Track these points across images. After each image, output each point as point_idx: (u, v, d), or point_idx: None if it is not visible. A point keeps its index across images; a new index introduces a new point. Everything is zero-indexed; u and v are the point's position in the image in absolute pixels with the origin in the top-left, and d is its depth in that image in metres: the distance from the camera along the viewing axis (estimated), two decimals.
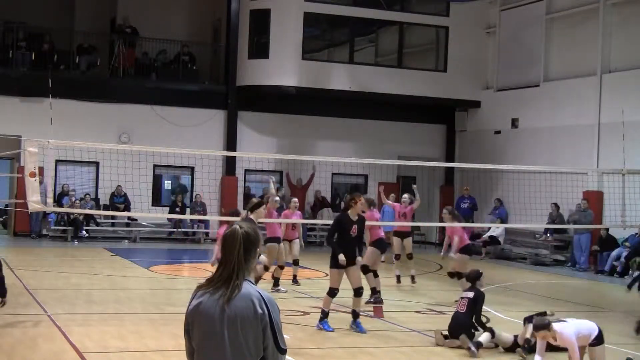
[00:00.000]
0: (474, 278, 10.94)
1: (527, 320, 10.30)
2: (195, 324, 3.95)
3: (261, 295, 3.92)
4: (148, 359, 9.39)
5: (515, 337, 10.31)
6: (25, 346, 9.65)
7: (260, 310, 3.88)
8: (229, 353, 3.88)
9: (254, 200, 10.19)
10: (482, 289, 10.85)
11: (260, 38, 25.98)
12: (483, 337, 10.23)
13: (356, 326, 11.29)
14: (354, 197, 11.27)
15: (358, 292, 11.22)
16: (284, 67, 25.70)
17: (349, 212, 11.19)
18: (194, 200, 25.30)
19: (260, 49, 25.94)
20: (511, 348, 10.23)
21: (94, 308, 12.60)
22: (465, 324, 10.47)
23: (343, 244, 11.03)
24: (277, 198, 15.32)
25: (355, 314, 11.38)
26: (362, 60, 27.49)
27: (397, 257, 16.76)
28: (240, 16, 26.15)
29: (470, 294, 10.67)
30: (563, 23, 24.89)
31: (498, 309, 13.70)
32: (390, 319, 12.31)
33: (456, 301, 10.98)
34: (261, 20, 25.74)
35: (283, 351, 3.97)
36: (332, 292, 11.19)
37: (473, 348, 10.02)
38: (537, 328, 8.70)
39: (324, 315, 11.31)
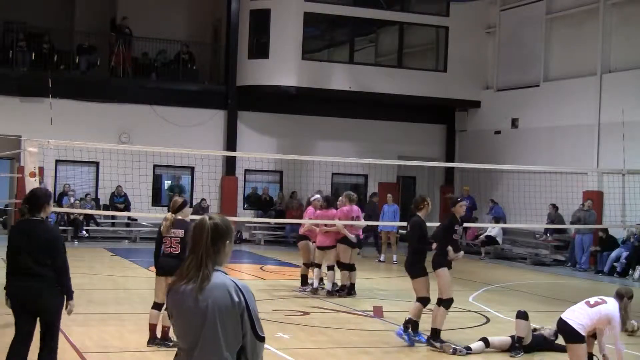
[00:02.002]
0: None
1: (521, 315, 10.23)
2: (175, 315, 4.03)
3: (236, 284, 3.97)
4: (148, 359, 9.39)
5: (512, 337, 10.27)
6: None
7: (237, 298, 3.93)
8: (207, 343, 3.91)
9: (178, 200, 9.98)
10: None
11: (260, 38, 25.99)
12: (475, 345, 10.17)
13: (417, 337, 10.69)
14: (425, 199, 10.76)
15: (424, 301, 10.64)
16: (284, 67, 25.71)
17: (421, 214, 10.64)
18: (198, 203, 25.01)
19: (260, 49, 25.95)
20: (511, 348, 10.21)
21: (94, 308, 12.58)
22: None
23: (424, 249, 10.65)
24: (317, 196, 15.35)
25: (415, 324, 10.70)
26: (362, 60, 27.50)
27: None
28: (240, 16, 26.16)
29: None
30: (563, 23, 24.89)
31: (498, 309, 13.70)
32: (391, 319, 12.30)
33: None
34: (261, 20, 25.75)
35: (261, 338, 4.01)
36: (426, 301, 10.60)
37: (460, 348, 9.98)
38: None
39: (415, 326, 10.60)
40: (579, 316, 8.35)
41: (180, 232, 9.46)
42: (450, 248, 10.37)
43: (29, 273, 6.95)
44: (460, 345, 10.17)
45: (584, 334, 8.32)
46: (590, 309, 8.41)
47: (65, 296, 7.14)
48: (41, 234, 6.98)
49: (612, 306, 8.47)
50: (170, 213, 9.74)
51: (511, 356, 10.00)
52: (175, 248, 9.48)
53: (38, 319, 7.12)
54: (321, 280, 14.85)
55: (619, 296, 8.58)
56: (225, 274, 4.00)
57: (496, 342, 10.28)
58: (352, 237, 14.39)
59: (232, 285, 3.96)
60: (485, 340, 10.25)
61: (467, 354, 9.99)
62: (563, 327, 8.45)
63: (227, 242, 4.02)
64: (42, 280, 6.96)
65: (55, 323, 7.14)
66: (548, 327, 10.60)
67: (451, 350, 10.02)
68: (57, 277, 7.02)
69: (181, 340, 4.04)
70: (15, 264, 7.07)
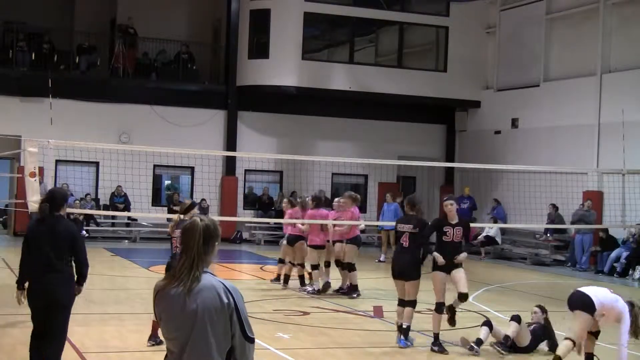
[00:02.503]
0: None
1: (514, 319, 10.21)
2: (163, 318, 4.02)
3: (224, 285, 3.98)
4: (148, 359, 9.39)
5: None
6: (25, 346, 9.58)
7: (226, 300, 3.94)
8: (196, 345, 3.91)
9: (187, 201, 10.18)
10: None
11: (260, 38, 25.99)
12: (482, 333, 10.15)
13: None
14: (418, 199, 10.77)
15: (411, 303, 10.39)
16: (284, 67, 25.71)
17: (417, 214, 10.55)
18: (198, 203, 25.00)
19: (260, 49, 25.95)
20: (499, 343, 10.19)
21: (94, 308, 12.57)
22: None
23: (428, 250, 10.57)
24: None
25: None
26: (362, 60, 27.49)
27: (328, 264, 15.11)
28: (240, 16, 26.17)
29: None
30: (563, 23, 24.89)
31: (498, 309, 13.71)
32: (391, 319, 12.29)
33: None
34: (261, 20, 25.74)
35: (251, 340, 4.02)
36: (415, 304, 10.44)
37: (476, 347, 9.97)
38: None
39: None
40: (600, 293, 8.48)
41: None
42: (436, 254, 10.18)
43: (49, 269, 7.35)
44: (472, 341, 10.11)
45: (597, 308, 8.35)
46: (611, 294, 8.51)
47: (77, 285, 7.58)
48: (62, 230, 7.43)
49: (624, 305, 8.55)
50: (178, 214, 9.89)
51: (499, 357, 9.95)
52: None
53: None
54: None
55: (631, 304, 8.60)
56: (213, 275, 4.01)
57: (498, 331, 10.19)
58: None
59: (220, 286, 3.96)
60: (488, 324, 10.17)
61: (479, 345, 9.96)
62: (576, 297, 8.50)
63: (216, 243, 4.05)
64: (61, 275, 7.38)
65: (66, 318, 7.46)
66: (533, 310, 10.55)
67: (468, 347, 9.99)
68: (77, 269, 7.47)
69: (170, 342, 4.02)
70: (36, 260, 7.43)
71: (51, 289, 7.33)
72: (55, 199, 7.60)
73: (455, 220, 10.27)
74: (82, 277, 7.56)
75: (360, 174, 27.53)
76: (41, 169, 15.67)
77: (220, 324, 3.92)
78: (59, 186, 24.06)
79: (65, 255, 7.40)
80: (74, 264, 7.50)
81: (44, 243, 7.39)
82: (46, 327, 7.42)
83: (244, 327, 3.97)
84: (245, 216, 26.15)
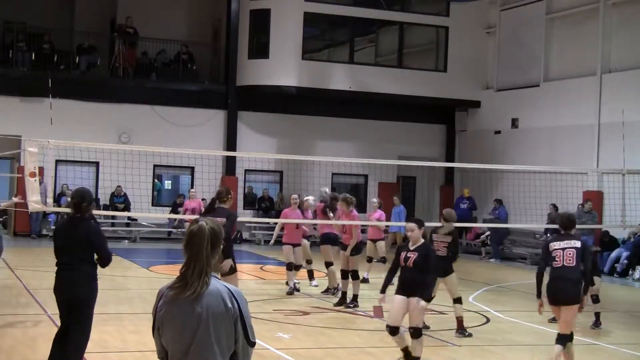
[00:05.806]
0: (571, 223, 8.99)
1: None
2: (165, 323, 3.97)
3: (228, 289, 3.96)
4: (148, 359, 9.38)
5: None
6: (25, 346, 9.64)
7: (230, 305, 3.91)
8: (199, 350, 3.89)
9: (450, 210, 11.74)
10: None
11: (260, 38, 25.99)
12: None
13: None
14: (230, 192, 10.66)
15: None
16: (284, 67, 25.71)
17: (226, 206, 10.50)
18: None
19: (260, 49, 25.95)
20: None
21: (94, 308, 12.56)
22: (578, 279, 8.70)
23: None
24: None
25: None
26: (362, 60, 27.49)
27: (369, 259, 16.53)
28: (240, 16, 26.17)
29: (577, 243, 8.71)
30: (563, 23, 24.89)
31: (498, 308, 13.70)
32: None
33: None
34: (261, 20, 25.75)
35: (252, 344, 4.01)
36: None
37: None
38: None
39: None
40: None
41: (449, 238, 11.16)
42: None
43: (67, 267, 7.64)
44: None
45: None
46: None
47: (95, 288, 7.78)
48: (82, 233, 7.64)
49: None
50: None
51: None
52: (442, 251, 10.99)
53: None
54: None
55: None
56: (218, 279, 3.99)
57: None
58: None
59: (225, 291, 3.94)
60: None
61: None
62: None
63: (220, 245, 4.04)
64: (76, 274, 7.59)
65: (84, 317, 7.65)
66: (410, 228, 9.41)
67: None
68: (97, 267, 7.69)
69: (172, 347, 3.98)
70: (58, 259, 7.76)
71: (67, 287, 7.60)
72: (84, 199, 7.80)
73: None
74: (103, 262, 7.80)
75: (360, 174, 27.52)
76: (41, 169, 15.63)
77: (223, 328, 3.90)
78: (61, 186, 24.19)
79: (84, 255, 7.60)
80: (95, 263, 7.74)
81: (63, 242, 7.72)
82: (66, 323, 7.70)
83: (248, 332, 3.96)
84: (245, 216, 26.13)
